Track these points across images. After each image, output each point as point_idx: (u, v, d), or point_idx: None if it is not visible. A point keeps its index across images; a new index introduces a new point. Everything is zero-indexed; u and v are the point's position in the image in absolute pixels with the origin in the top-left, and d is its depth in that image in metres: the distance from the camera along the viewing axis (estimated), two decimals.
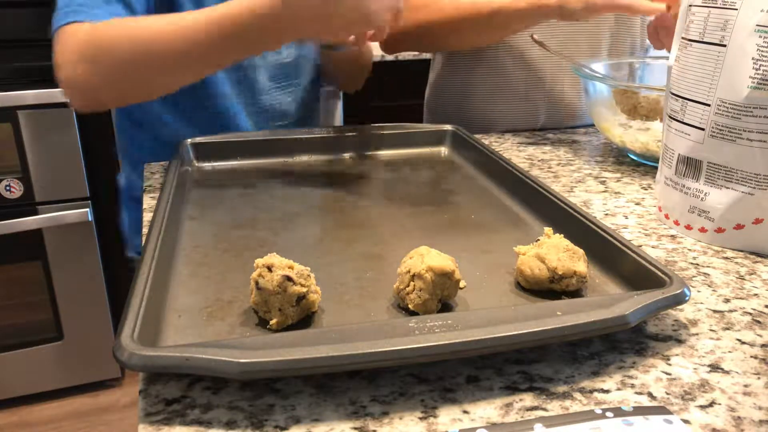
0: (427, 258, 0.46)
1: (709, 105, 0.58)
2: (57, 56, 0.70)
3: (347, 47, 0.89)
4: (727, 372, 0.42)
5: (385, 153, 0.85)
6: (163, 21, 0.68)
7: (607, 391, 0.40)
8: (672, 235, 0.63)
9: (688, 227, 0.62)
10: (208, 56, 0.69)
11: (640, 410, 0.37)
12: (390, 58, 2.36)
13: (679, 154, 0.62)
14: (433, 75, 1.13)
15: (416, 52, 2.39)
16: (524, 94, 1.02)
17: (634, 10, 0.80)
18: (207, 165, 0.80)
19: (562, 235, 0.53)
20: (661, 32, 0.85)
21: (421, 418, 0.37)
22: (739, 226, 0.59)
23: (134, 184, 0.92)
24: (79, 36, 0.69)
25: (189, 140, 0.80)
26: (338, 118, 2.40)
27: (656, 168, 0.70)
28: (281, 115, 0.92)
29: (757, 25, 0.53)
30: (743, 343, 0.45)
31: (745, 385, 0.40)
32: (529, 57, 1.00)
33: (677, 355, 0.43)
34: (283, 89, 0.91)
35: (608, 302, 0.42)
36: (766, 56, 0.53)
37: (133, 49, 0.68)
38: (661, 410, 0.37)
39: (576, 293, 0.49)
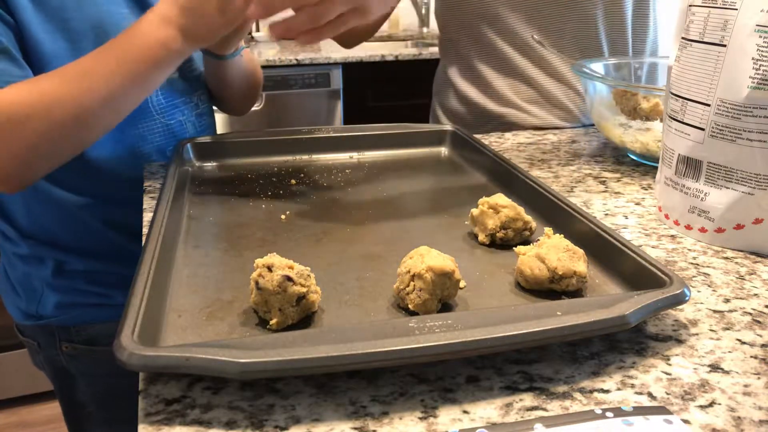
0: (427, 258, 0.46)
1: (709, 105, 0.58)
2: None
3: (238, 53, 0.87)
4: (727, 372, 0.42)
5: (385, 153, 0.85)
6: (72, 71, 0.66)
7: (607, 391, 0.40)
8: (672, 235, 0.63)
9: (688, 227, 0.62)
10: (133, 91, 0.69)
11: (640, 410, 0.37)
12: (390, 58, 2.36)
13: (679, 154, 0.62)
14: (441, 77, 1.12)
15: (416, 52, 2.39)
16: (542, 94, 1.02)
17: None
18: (207, 165, 0.80)
19: (562, 235, 0.53)
20: None
21: (421, 418, 0.37)
22: (739, 226, 0.59)
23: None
24: None
25: (189, 140, 0.80)
26: (338, 118, 2.40)
27: (656, 168, 0.70)
28: (182, 133, 0.88)
29: (757, 25, 0.53)
30: (743, 343, 0.45)
31: (745, 385, 0.40)
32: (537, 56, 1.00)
33: (677, 355, 0.43)
34: (176, 106, 0.87)
35: (608, 302, 0.42)
36: (766, 56, 0.53)
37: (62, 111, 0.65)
38: (661, 410, 0.37)
39: (576, 293, 0.49)
